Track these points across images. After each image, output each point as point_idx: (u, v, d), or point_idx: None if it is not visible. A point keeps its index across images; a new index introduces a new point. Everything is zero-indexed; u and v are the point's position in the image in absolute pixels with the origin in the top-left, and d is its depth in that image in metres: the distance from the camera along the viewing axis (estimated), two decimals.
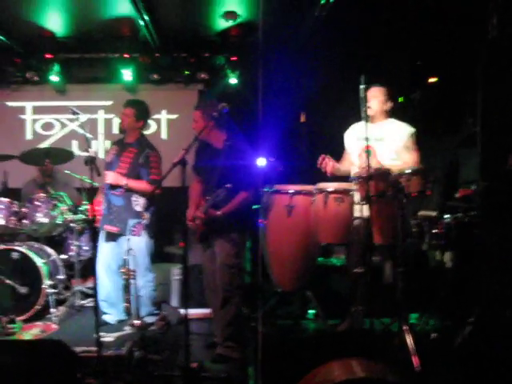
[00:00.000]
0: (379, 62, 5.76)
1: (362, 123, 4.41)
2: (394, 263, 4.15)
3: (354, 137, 4.56)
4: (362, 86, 3.73)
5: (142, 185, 4.95)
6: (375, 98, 4.33)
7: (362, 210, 4.02)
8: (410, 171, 3.83)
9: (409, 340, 3.65)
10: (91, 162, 3.56)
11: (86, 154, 3.79)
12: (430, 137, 5.74)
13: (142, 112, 5.12)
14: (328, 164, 4.35)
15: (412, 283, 4.14)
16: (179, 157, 3.53)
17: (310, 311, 5.00)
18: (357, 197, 4.11)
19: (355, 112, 4.27)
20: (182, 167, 3.50)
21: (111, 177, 4.91)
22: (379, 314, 4.06)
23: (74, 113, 4.02)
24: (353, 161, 4.53)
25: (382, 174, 3.91)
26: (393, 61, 5.94)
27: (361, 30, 5.61)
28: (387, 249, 4.13)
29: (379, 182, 3.86)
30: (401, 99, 6.06)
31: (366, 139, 3.85)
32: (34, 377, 2.80)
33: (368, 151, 3.92)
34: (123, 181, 4.89)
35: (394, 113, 4.50)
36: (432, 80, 5.88)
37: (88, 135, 3.99)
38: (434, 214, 4.27)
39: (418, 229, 4.28)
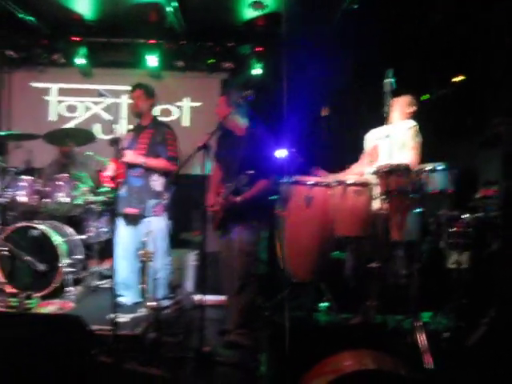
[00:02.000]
0: (406, 58, 5.73)
1: (381, 128, 4.46)
2: (409, 260, 4.14)
3: (373, 137, 4.61)
4: (387, 80, 3.72)
5: (160, 162, 4.99)
6: (399, 109, 4.38)
7: (380, 205, 4.03)
8: (431, 168, 3.82)
9: (421, 338, 3.66)
10: (117, 142, 3.59)
11: (111, 135, 3.84)
12: (452, 135, 5.71)
13: (149, 90, 5.23)
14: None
15: (427, 281, 4.13)
16: (203, 142, 3.56)
17: (323, 304, 5.01)
18: (376, 191, 4.12)
19: (379, 109, 4.31)
20: (204, 152, 3.53)
21: (129, 155, 4.94)
22: (393, 310, 4.05)
23: (102, 95, 4.06)
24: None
25: (403, 170, 3.90)
26: (419, 58, 5.90)
27: (389, 26, 5.59)
28: (404, 245, 4.12)
29: (400, 178, 3.85)
30: (425, 97, 6.03)
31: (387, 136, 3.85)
32: (50, 350, 2.84)
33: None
34: (141, 159, 4.95)
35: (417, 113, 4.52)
36: (458, 79, 5.83)
37: (112, 118, 4.03)
38: (453, 213, 4.25)
39: (436, 227, 4.26)
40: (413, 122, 4.44)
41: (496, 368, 3.37)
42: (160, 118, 5.54)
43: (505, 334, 3.76)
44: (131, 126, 7.03)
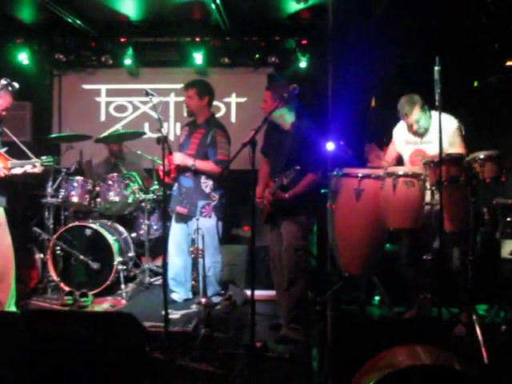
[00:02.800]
0: (455, 45, 5.59)
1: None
2: (464, 251, 4.04)
3: (402, 138, 4.53)
4: (436, 68, 3.62)
5: (209, 165, 4.96)
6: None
7: (433, 196, 3.94)
8: (483, 156, 3.71)
9: (478, 331, 3.57)
10: (163, 140, 3.61)
11: (158, 134, 3.86)
12: (505, 122, 5.54)
13: (203, 88, 5.12)
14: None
15: (482, 273, 4.03)
16: (249, 137, 3.55)
17: (376, 297, 4.96)
18: (428, 182, 4.04)
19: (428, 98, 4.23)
20: (251, 148, 3.52)
21: (178, 158, 4.96)
22: (447, 303, 3.97)
23: (148, 94, 4.08)
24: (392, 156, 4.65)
25: (455, 159, 3.81)
26: (469, 44, 5.74)
27: (436, 13, 5.45)
28: (458, 236, 4.02)
29: (451, 167, 3.76)
30: (476, 83, 5.87)
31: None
32: (105, 347, 2.89)
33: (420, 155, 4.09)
34: (190, 161, 4.93)
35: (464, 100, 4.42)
36: (510, 63, 5.64)
37: (160, 116, 4.06)
38: (509, 201, 4.12)
39: (491, 216, 4.14)
40: (455, 123, 4.31)
41: None
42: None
43: None
44: (178, 125, 7.17)
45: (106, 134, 5.86)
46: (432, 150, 4.18)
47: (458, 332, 3.80)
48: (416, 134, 4.41)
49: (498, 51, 5.63)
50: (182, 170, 5.02)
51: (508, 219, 4.04)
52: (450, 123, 4.28)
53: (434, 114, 4.28)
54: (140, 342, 3.05)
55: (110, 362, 2.86)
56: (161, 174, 5.06)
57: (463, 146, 4.25)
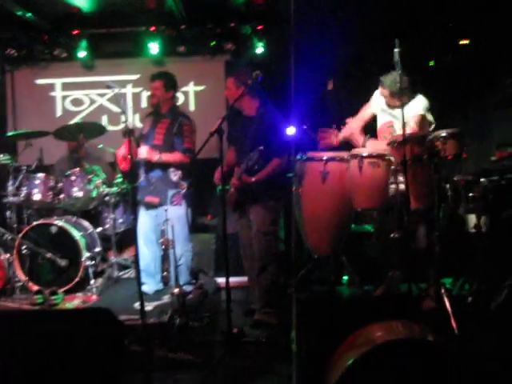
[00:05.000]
0: (411, 26, 5.67)
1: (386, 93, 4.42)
2: (429, 227, 4.15)
3: (379, 106, 4.57)
4: (396, 50, 3.68)
5: (175, 156, 4.96)
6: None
7: (397, 175, 4.02)
8: (445, 134, 3.81)
9: (447, 304, 3.68)
10: (129, 133, 3.58)
11: (119, 126, 3.83)
12: (462, 100, 5.67)
13: (170, 82, 5.11)
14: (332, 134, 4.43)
15: (448, 247, 4.14)
16: (216, 126, 3.56)
17: (345, 277, 5.04)
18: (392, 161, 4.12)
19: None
20: (218, 136, 3.53)
21: (144, 151, 4.92)
22: (416, 278, 4.07)
23: (110, 87, 4.03)
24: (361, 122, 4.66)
25: (418, 138, 3.90)
26: (423, 24, 5.83)
27: None
28: (423, 213, 4.12)
29: (415, 146, 3.85)
30: (432, 63, 5.98)
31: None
32: (84, 344, 2.88)
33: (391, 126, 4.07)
34: (156, 156, 4.91)
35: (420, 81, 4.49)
36: (464, 42, 5.77)
37: (123, 108, 4.02)
38: (470, 177, 4.24)
39: (454, 193, 4.26)
40: (425, 102, 4.40)
41: None
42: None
43: None
44: (137, 116, 7.09)
45: (62, 126, 5.73)
46: (398, 126, 4.24)
47: (427, 306, 3.90)
48: (389, 106, 4.48)
49: (452, 30, 5.75)
50: (149, 165, 5.00)
51: (470, 195, 4.16)
52: (420, 104, 4.38)
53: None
54: (118, 336, 3.04)
55: (89, 359, 2.84)
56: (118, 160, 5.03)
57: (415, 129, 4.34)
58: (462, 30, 5.69)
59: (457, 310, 3.64)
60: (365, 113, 4.71)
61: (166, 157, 4.94)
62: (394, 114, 4.43)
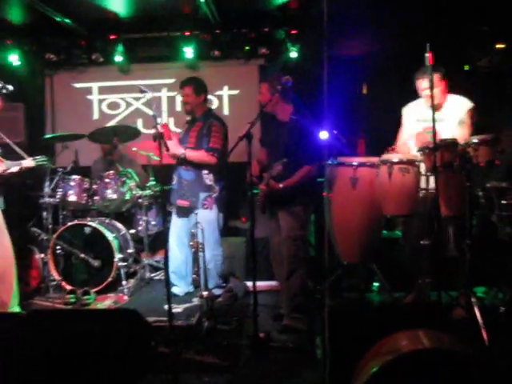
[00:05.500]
0: (445, 30, 5.60)
1: (419, 102, 4.36)
2: (461, 235, 4.08)
3: (414, 117, 4.52)
4: (426, 55, 3.64)
5: (200, 154, 4.97)
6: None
7: (428, 182, 3.97)
8: (477, 141, 3.75)
9: (477, 313, 3.61)
10: (159, 137, 3.62)
11: (153, 130, 3.87)
12: (498, 105, 5.57)
13: (199, 86, 5.16)
14: None
15: (480, 255, 4.07)
16: (244, 131, 3.57)
17: (375, 284, 5.00)
18: (423, 168, 4.07)
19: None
20: (247, 141, 3.54)
21: (172, 144, 4.84)
22: (446, 286, 4.01)
23: (142, 91, 4.08)
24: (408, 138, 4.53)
25: (449, 145, 3.85)
26: (459, 28, 5.75)
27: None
28: (455, 220, 4.06)
29: (446, 153, 3.80)
30: (467, 67, 5.89)
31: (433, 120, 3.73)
32: (111, 344, 2.92)
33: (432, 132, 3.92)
34: (181, 150, 4.95)
35: (455, 84, 4.41)
36: (500, 46, 5.67)
37: (154, 112, 4.07)
38: (503, 184, 4.16)
39: (487, 200, 4.18)
40: (470, 103, 4.32)
41: None
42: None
43: None
44: (172, 120, 7.18)
45: (96, 129, 5.84)
46: (442, 129, 4.15)
47: (457, 315, 3.84)
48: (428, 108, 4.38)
49: (487, 34, 5.65)
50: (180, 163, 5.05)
51: (503, 202, 4.07)
52: (464, 103, 4.32)
53: (450, 97, 4.36)
54: (145, 337, 3.08)
55: (115, 359, 2.89)
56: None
57: (470, 125, 4.27)
58: (499, 33, 5.58)
59: (488, 321, 3.57)
60: (403, 134, 4.66)
61: (190, 153, 4.97)
62: (435, 118, 4.35)
